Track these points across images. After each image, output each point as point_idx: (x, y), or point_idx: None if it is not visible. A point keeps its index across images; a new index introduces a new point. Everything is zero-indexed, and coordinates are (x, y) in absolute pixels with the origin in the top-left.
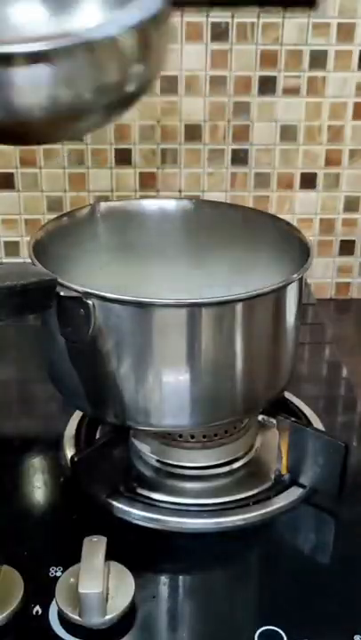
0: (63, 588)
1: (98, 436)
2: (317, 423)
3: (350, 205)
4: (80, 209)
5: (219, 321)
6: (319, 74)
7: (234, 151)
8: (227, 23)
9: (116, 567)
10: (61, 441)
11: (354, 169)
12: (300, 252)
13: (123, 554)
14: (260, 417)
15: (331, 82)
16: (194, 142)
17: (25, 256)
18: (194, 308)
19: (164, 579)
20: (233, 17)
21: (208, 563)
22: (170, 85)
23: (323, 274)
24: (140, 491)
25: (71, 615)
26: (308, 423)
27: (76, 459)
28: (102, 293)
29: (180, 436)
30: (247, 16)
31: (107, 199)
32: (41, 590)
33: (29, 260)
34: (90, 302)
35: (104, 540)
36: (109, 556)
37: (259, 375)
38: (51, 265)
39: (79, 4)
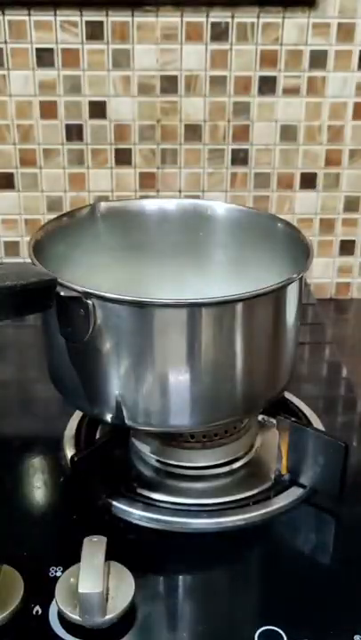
0: (63, 588)
1: (98, 436)
2: (317, 423)
3: (350, 205)
4: (80, 209)
5: (219, 321)
6: (319, 74)
7: (234, 151)
8: (227, 23)
9: (116, 567)
10: (61, 441)
11: (354, 169)
12: (301, 253)
13: (123, 554)
14: (260, 417)
15: (331, 82)
16: (194, 142)
17: (25, 256)
18: (194, 307)
19: (164, 579)
20: (233, 17)
21: (208, 563)
22: (170, 85)
23: (323, 274)
24: (140, 491)
25: (71, 615)
26: (308, 423)
27: (75, 458)
28: (102, 293)
29: (180, 435)
30: (247, 16)
31: (107, 199)
32: (41, 590)
33: (29, 260)
34: (90, 302)
35: (104, 540)
36: (109, 556)
37: (259, 375)
38: (51, 265)
39: None
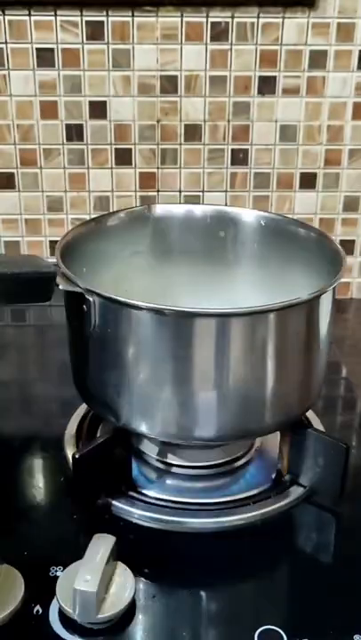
0: (64, 587)
1: (98, 435)
2: (317, 423)
3: (350, 205)
4: (110, 214)
5: (250, 332)
6: (319, 74)
7: (234, 151)
8: (226, 23)
9: (118, 566)
10: (62, 440)
11: (353, 169)
12: (330, 260)
13: (123, 553)
14: None
15: (330, 82)
16: (194, 142)
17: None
18: (224, 318)
19: (164, 578)
20: (233, 17)
21: (208, 562)
22: (170, 85)
23: None
24: (140, 490)
25: (71, 614)
26: (309, 423)
27: (77, 456)
28: (103, 292)
29: None
30: (247, 16)
31: (107, 199)
32: (41, 590)
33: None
34: (90, 299)
35: (112, 539)
36: (114, 556)
37: (290, 389)
38: (79, 267)
39: None
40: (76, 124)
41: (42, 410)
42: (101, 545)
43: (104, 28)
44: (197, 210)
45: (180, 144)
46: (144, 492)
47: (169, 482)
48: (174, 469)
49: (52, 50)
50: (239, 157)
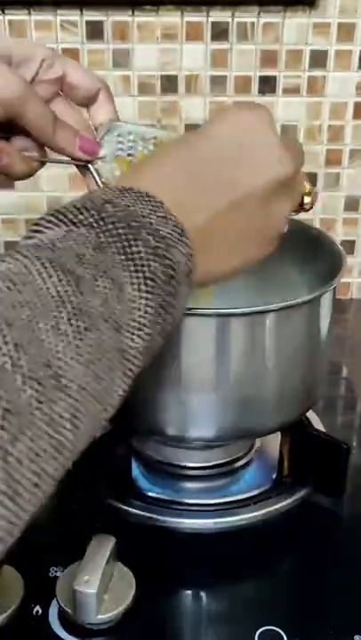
0: (64, 587)
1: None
2: (318, 423)
3: (351, 205)
4: None
5: (250, 332)
6: (319, 73)
7: None
8: (227, 23)
9: (118, 566)
10: None
11: (354, 169)
12: (329, 260)
13: (123, 553)
14: None
15: (331, 82)
16: None
17: None
18: (223, 318)
19: (164, 579)
20: (233, 17)
21: (208, 562)
22: (170, 85)
23: None
24: (140, 490)
25: (71, 614)
26: (309, 423)
27: None
28: None
29: None
30: (247, 16)
31: None
32: (41, 590)
33: None
34: None
35: (112, 539)
36: (114, 557)
37: (289, 390)
38: None
39: None
40: None
41: None
42: (101, 545)
43: (104, 28)
44: None
45: None
46: (144, 492)
47: (169, 482)
48: (174, 470)
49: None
50: None
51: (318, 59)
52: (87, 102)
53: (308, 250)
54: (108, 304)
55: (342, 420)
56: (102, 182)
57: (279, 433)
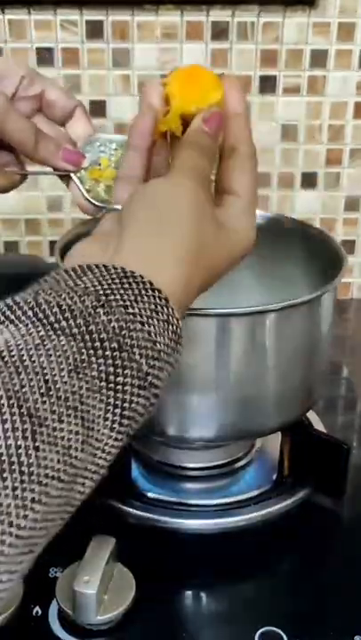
0: (63, 588)
1: None
2: (318, 423)
3: (351, 205)
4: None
5: (250, 332)
6: (320, 73)
7: None
8: (227, 22)
9: (117, 567)
10: None
11: (354, 168)
12: (329, 260)
13: (123, 554)
14: None
15: (331, 81)
16: None
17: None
18: (224, 318)
19: (164, 579)
20: (233, 16)
21: (209, 563)
22: None
23: None
24: (140, 491)
25: (71, 615)
26: (309, 423)
27: None
28: None
29: None
30: (247, 15)
31: None
32: (41, 590)
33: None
34: None
35: (112, 540)
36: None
37: (291, 390)
38: None
39: None
40: None
41: None
42: (101, 546)
43: (104, 27)
44: None
45: None
46: (144, 492)
47: (169, 483)
48: (174, 470)
49: (51, 49)
50: None
51: (318, 58)
52: (64, 120)
53: (309, 249)
54: (69, 455)
55: (342, 420)
56: (86, 190)
57: (279, 433)
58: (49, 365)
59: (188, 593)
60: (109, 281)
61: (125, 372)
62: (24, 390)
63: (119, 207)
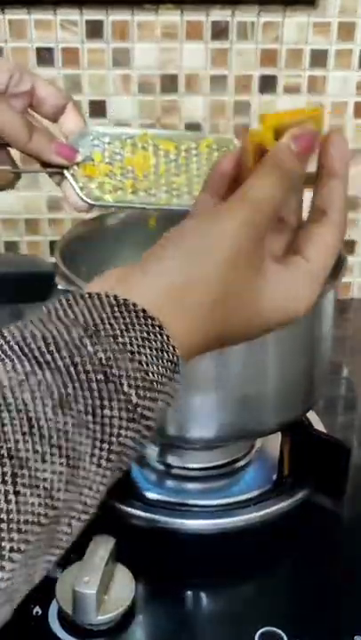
0: (63, 588)
1: None
2: (318, 423)
3: (351, 205)
4: (108, 215)
5: None
6: (320, 73)
7: None
8: (227, 22)
9: (117, 567)
10: None
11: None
12: None
13: (123, 554)
14: None
15: (331, 81)
16: None
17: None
18: None
19: (164, 579)
20: (233, 15)
21: (209, 563)
22: (170, 84)
23: None
24: (140, 491)
25: (71, 615)
26: (309, 423)
27: None
28: None
29: None
30: (247, 15)
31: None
32: (41, 590)
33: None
34: None
35: (111, 540)
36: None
37: (291, 391)
38: (80, 265)
39: None
40: None
41: None
42: (101, 546)
43: (104, 27)
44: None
45: None
46: (144, 493)
47: (169, 483)
48: (174, 471)
49: (51, 49)
50: None
51: (318, 58)
52: (56, 116)
53: None
54: (51, 497)
55: (343, 420)
56: (79, 187)
57: (279, 433)
58: (33, 402)
59: (188, 593)
60: (100, 310)
61: (112, 404)
62: (5, 429)
63: (112, 203)
